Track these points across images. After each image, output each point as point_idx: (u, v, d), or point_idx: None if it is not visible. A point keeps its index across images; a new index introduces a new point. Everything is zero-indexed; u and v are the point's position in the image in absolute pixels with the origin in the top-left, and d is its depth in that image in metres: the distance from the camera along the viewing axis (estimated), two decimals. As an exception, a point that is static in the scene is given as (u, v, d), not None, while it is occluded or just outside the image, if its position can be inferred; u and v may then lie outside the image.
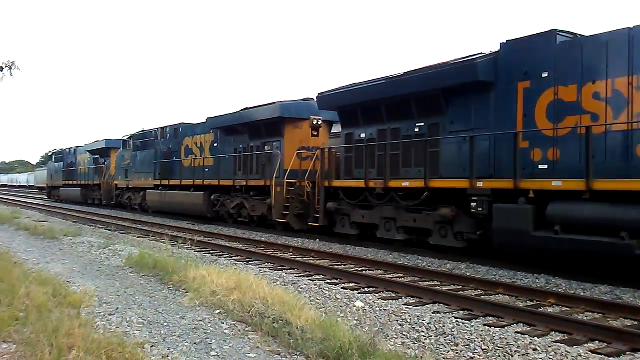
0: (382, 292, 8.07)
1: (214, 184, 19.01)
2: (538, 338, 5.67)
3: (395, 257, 11.41)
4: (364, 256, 11.40)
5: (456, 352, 5.33)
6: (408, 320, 6.31)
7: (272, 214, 15.92)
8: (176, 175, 21.89)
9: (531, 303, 7.36)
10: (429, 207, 11.48)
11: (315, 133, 16.17)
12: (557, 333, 5.96)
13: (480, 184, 10.17)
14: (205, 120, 20.28)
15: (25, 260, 9.74)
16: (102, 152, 30.86)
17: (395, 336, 5.85)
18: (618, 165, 8.40)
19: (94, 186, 31.45)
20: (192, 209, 20.36)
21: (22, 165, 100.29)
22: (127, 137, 27.26)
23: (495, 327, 6.08)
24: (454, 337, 5.71)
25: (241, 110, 18.21)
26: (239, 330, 5.45)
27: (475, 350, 5.33)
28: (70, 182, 35.19)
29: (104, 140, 30.77)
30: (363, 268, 10.15)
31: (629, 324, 6.35)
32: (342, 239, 13.86)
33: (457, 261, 10.62)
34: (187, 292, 7.06)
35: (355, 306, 6.91)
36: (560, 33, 9.53)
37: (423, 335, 5.85)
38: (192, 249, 12.28)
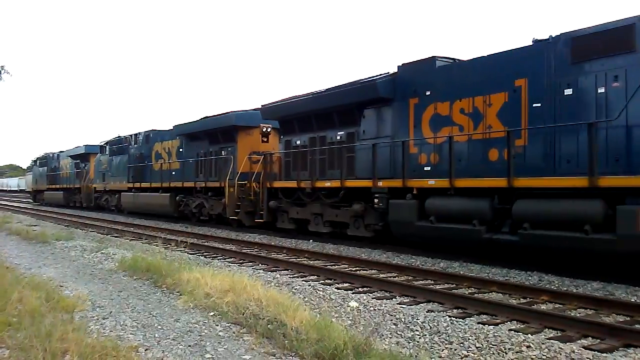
0: (377, 291, 8.07)
1: (179, 186, 21.03)
2: (532, 335, 5.69)
3: (389, 257, 11.43)
4: (357, 256, 11.41)
5: (451, 351, 5.34)
6: (402, 319, 6.32)
7: (226, 212, 17.79)
8: (147, 178, 23.89)
9: (525, 301, 7.39)
10: (346, 204, 13.43)
11: (265, 139, 17.53)
12: (550, 330, 5.99)
13: (380, 183, 12.14)
14: (172, 128, 22.17)
15: (18, 265, 9.68)
16: (82, 157, 32.51)
17: (390, 336, 5.85)
18: (477, 167, 10.35)
19: (75, 190, 33.20)
20: (161, 209, 22.17)
21: (12, 170, 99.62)
22: (104, 143, 29.23)
23: (489, 325, 6.10)
24: (448, 336, 5.73)
25: (202, 119, 20.27)
26: (234, 333, 5.45)
27: (470, 349, 5.34)
28: (53, 186, 36.95)
29: (84, 146, 32.29)
30: (357, 268, 10.16)
31: (621, 320, 6.40)
32: (284, 233, 15.79)
33: (450, 260, 10.65)
34: (181, 295, 7.04)
35: (349, 306, 6.92)
36: (439, 59, 11.55)
37: (418, 335, 5.85)
38: (186, 252, 12.22)
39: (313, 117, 14.74)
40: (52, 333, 4.57)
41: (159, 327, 5.65)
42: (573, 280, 8.49)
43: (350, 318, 6.51)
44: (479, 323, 6.18)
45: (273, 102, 16.56)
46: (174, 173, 21.88)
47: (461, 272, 9.45)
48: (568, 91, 9.14)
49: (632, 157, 8.26)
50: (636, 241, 7.76)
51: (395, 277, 9.25)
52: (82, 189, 32.15)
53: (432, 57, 11.62)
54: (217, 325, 5.69)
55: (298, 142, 15.45)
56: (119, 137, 27.75)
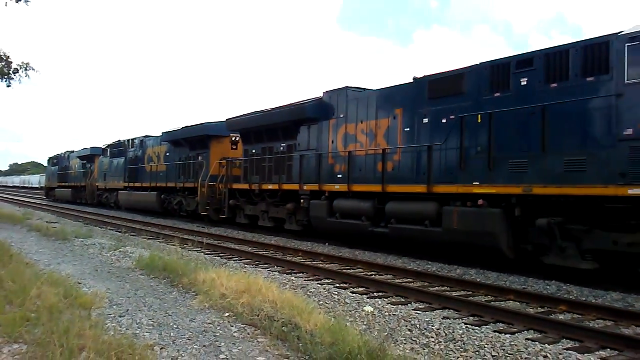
0: (392, 297, 8.04)
1: (164, 185, 24.08)
2: (549, 345, 5.62)
3: (405, 262, 11.37)
4: (373, 261, 11.37)
5: (466, 359, 5.29)
6: (417, 325, 6.28)
7: (199, 209, 20.68)
8: (140, 178, 26.85)
9: (542, 310, 7.29)
10: (283, 203, 16.23)
11: (235, 147, 20.46)
12: (568, 340, 5.90)
13: (305, 187, 15.10)
14: (161, 134, 25.16)
15: (37, 262, 9.80)
16: (88, 158, 35.10)
17: (405, 341, 5.81)
18: (368, 176, 13.06)
19: (82, 187, 36.03)
20: (149, 205, 25.32)
21: (34, 167, 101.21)
22: (106, 146, 32.12)
23: (505, 333, 6.03)
24: (464, 343, 5.67)
25: (183, 127, 22.95)
26: (248, 334, 5.46)
27: (485, 357, 5.29)
28: (63, 184, 39.84)
29: (89, 148, 35.01)
30: (372, 273, 10.12)
31: (641, 332, 6.29)
32: (241, 227, 18.63)
33: (466, 267, 10.56)
34: (196, 294, 7.08)
35: (364, 311, 6.90)
36: (350, 88, 14.32)
37: (432, 341, 5.81)
38: (202, 252, 12.31)
39: (264, 131, 17.62)
40: (70, 329, 4.62)
41: (175, 326, 5.68)
42: (592, 291, 8.36)
43: (365, 323, 6.49)
44: (495, 331, 6.11)
45: (235, 116, 19.23)
46: (161, 174, 24.72)
47: (478, 280, 9.37)
48: (425, 120, 11.78)
49: (451, 171, 10.99)
50: (454, 232, 10.64)
51: (410, 282, 9.20)
52: (86, 187, 34.82)
53: (346, 86, 14.44)
54: (232, 326, 5.71)
55: (253, 150, 18.25)
56: (118, 141, 30.56)
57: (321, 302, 7.40)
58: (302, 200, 15.26)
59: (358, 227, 13.10)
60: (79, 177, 36.78)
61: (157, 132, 25.65)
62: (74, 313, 5.40)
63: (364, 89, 14.29)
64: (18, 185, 79.23)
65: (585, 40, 9.13)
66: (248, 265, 10.75)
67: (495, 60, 10.46)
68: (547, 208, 9.33)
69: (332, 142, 14.45)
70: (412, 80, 12.26)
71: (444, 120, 11.22)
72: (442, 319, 6.65)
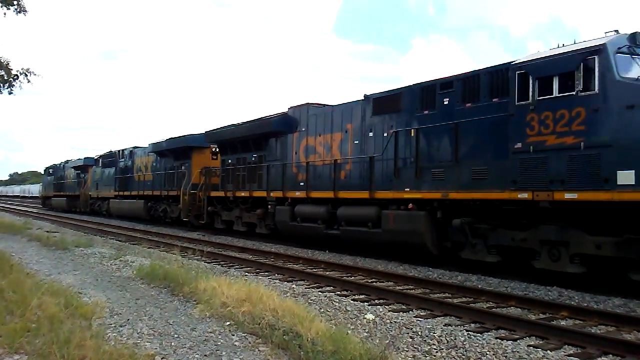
0: (393, 304, 8.02)
1: (150, 194, 25.61)
2: (551, 352, 5.61)
3: (405, 269, 11.35)
4: (374, 268, 11.35)
5: (468, 366, 5.28)
6: (419, 333, 6.27)
7: (181, 215, 22.19)
8: (129, 187, 28.33)
9: (544, 316, 7.28)
10: (254, 209, 17.80)
11: (215, 157, 21.70)
12: (570, 347, 5.89)
13: (271, 194, 16.66)
14: (148, 145, 26.75)
15: (38, 271, 9.78)
16: (82, 168, 36.55)
17: (407, 349, 5.80)
18: (325, 183, 14.59)
19: (76, 197, 37.49)
20: (137, 213, 26.71)
21: (35, 176, 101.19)
22: (98, 156, 33.83)
23: (507, 340, 6.02)
24: (465, 351, 5.66)
25: (167, 139, 24.38)
26: (250, 343, 5.44)
27: (488, 364, 5.27)
28: (59, 193, 41.36)
29: (83, 159, 36.94)
30: (373, 280, 10.11)
31: (643, 338, 6.27)
32: (219, 231, 20.04)
33: (467, 273, 10.55)
34: (197, 303, 7.06)
35: (366, 319, 6.88)
36: (311, 104, 16.04)
37: (434, 349, 5.79)
38: (203, 260, 12.29)
39: (238, 142, 19.03)
40: (71, 339, 4.61)
41: (176, 335, 5.67)
42: (594, 296, 8.34)
43: (366, 330, 6.47)
44: (497, 338, 6.10)
45: (213, 129, 20.90)
46: (148, 183, 26.26)
47: (479, 286, 9.35)
48: (370, 134, 13.30)
49: (389, 179, 12.42)
50: (390, 233, 12.22)
51: (411, 289, 9.18)
52: (80, 196, 36.35)
53: (307, 103, 16.17)
54: (233, 335, 5.69)
55: (229, 161, 19.70)
56: (110, 152, 32.52)
57: (322, 310, 7.38)
58: (269, 206, 16.92)
59: (315, 230, 14.75)
60: (73, 187, 38.38)
61: (153, 141, 26.43)
62: (74, 323, 5.39)
63: (324, 105, 15.98)
64: (19, 194, 79.19)
65: (492, 66, 10.56)
66: (249, 274, 10.73)
67: (424, 82, 11.95)
68: (461, 210, 10.88)
69: (295, 153, 16.12)
70: (362, 98, 13.70)
71: (385, 134, 12.81)
72: (443, 326, 6.64)
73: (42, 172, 55.91)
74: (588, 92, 8.77)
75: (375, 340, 5.94)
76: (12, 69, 13.21)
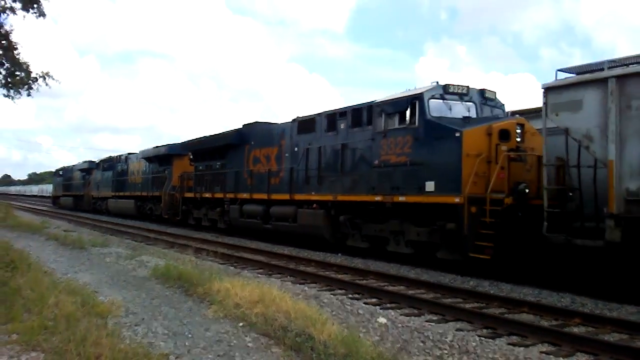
0: (405, 308, 8.02)
1: (139, 195, 29.34)
2: (563, 359, 5.61)
3: (417, 273, 11.33)
4: (386, 271, 11.34)
5: (479, 371, 5.28)
6: (431, 337, 6.27)
7: (162, 213, 25.77)
8: (124, 189, 32.10)
9: (556, 323, 7.23)
10: (215, 208, 21.02)
11: (193, 163, 24.46)
12: (583, 354, 5.87)
13: (227, 195, 19.87)
14: (139, 152, 31.28)
15: (55, 270, 9.93)
16: (86, 171, 40.39)
17: (418, 353, 5.81)
18: (263, 187, 17.67)
19: (81, 196, 41.36)
20: (129, 211, 30.40)
21: (51, 177, 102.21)
22: (99, 160, 38.30)
23: (519, 346, 6.01)
24: (477, 356, 5.66)
25: (154, 147, 28.79)
26: (262, 344, 5.50)
27: (499, 370, 5.27)
28: (67, 193, 45.29)
29: (88, 162, 41.01)
30: (385, 283, 10.11)
31: (657, 346, 6.22)
32: (191, 227, 23.15)
33: (480, 279, 10.50)
34: (211, 304, 7.13)
35: (378, 322, 6.90)
36: (259, 122, 19.57)
37: (446, 353, 5.80)
38: (216, 261, 12.37)
39: (206, 152, 22.33)
40: (87, 337, 4.69)
41: (190, 335, 5.74)
42: (607, 303, 8.27)
43: (378, 334, 6.49)
44: (509, 344, 6.09)
45: (189, 140, 24.95)
46: (138, 185, 29.98)
47: (491, 292, 9.31)
48: (295, 149, 16.31)
49: (302, 184, 15.75)
50: (303, 227, 15.54)
51: (423, 293, 9.17)
52: (84, 196, 40.28)
53: (256, 121, 19.69)
54: (246, 336, 5.75)
55: (200, 167, 23.01)
56: (110, 157, 36.86)
57: (334, 313, 7.41)
58: (225, 206, 20.10)
59: (256, 225, 18.04)
60: (79, 188, 42.10)
61: (143, 149, 30.79)
62: (90, 321, 5.48)
63: (271, 123, 19.20)
64: (36, 194, 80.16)
65: (368, 102, 13.68)
66: (261, 275, 10.79)
67: (330, 111, 15.20)
68: (345, 209, 14.22)
69: (246, 162, 19.12)
70: (292, 120, 16.93)
71: (309, 149, 15.62)
72: (455, 330, 6.64)
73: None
74: (413, 126, 12.08)
75: (387, 344, 5.97)
76: (31, 72, 13.40)
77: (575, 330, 6.90)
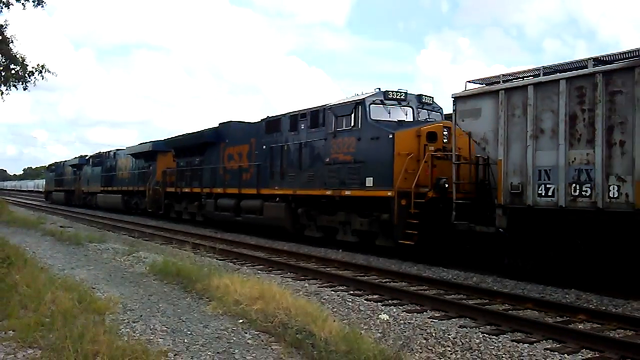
0: (407, 304, 7.94)
1: (126, 189, 30.71)
2: (568, 355, 5.52)
3: (419, 269, 11.25)
4: (387, 268, 11.27)
5: (484, 369, 5.20)
6: (433, 334, 6.19)
7: (147, 207, 26.97)
8: (112, 184, 33.43)
9: (561, 319, 7.15)
10: (194, 202, 22.48)
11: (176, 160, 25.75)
12: (588, 351, 5.78)
13: (204, 190, 21.31)
14: (126, 148, 32.67)
15: (51, 266, 9.82)
16: (77, 166, 41.29)
17: (421, 350, 5.73)
18: (235, 182, 19.12)
19: (72, 191, 42.67)
20: (116, 205, 31.83)
21: (45, 172, 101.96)
22: (89, 156, 39.18)
23: (523, 343, 5.92)
24: (480, 353, 5.58)
25: (139, 144, 30.46)
26: (262, 341, 5.41)
27: (504, 367, 5.19)
28: (59, 188, 46.73)
29: (78, 158, 41.87)
30: (387, 280, 10.03)
31: (663, 343, 6.14)
32: (174, 220, 24.45)
33: (483, 275, 10.42)
34: (210, 300, 7.04)
35: (380, 319, 6.81)
36: (233, 122, 20.73)
37: (449, 350, 5.72)
38: (215, 257, 12.27)
39: (186, 149, 23.61)
40: (84, 335, 4.60)
41: (188, 332, 5.65)
42: (612, 300, 8.19)
43: (380, 331, 6.41)
44: (513, 341, 6.01)
45: (171, 137, 26.16)
46: (125, 180, 31.21)
47: (495, 288, 9.23)
48: (264, 147, 17.50)
49: (268, 180, 17.11)
50: (268, 219, 16.99)
51: (426, 290, 9.09)
52: (75, 191, 41.54)
53: (230, 120, 20.93)
54: (246, 333, 5.66)
55: (181, 163, 24.33)
56: (99, 152, 37.79)
57: (335, 310, 7.32)
58: (202, 200, 21.50)
59: (228, 217, 19.35)
60: (70, 183, 43.33)
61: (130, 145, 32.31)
62: (88, 318, 5.38)
63: (244, 122, 20.43)
64: (32, 189, 79.94)
65: (322, 104, 14.99)
66: (261, 272, 10.70)
67: (293, 112, 16.40)
68: (303, 202, 15.60)
69: (222, 159, 20.42)
70: (261, 120, 18.32)
71: (273, 148, 16.98)
72: (458, 327, 6.56)
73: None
74: (356, 128, 13.59)
75: (389, 341, 5.88)
76: (27, 65, 13.25)
77: (580, 326, 6.83)
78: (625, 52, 9.11)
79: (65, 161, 46.29)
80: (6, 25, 13.08)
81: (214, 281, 7.55)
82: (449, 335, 6.11)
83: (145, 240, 16.50)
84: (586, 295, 8.53)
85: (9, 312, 5.68)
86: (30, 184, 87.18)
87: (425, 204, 11.77)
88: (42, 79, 13.33)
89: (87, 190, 38.16)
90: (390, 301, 8.13)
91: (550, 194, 9.29)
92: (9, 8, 12.70)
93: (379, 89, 13.78)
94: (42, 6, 12.89)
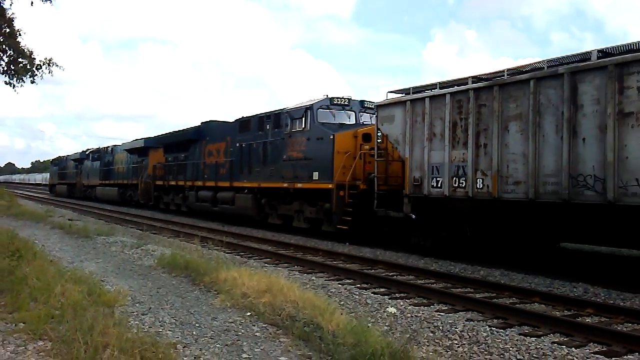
0: (414, 298, 7.95)
1: (121, 183, 33.14)
2: (576, 349, 5.51)
3: (427, 263, 11.25)
4: (394, 261, 11.28)
5: (491, 362, 5.20)
6: (440, 327, 6.20)
7: (139, 199, 29.15)
8: (109, 177, 35.83)
9: (569, 313, 7.14)
10: (179, 194, 24.79)
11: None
12: (595, 344, 5.78)
13: (187, 183, 23.55)
14: (122, 144, 34.98)
15: (60, 259, 9.90)
16: (79, 160, 43.53)
17: (428, 344, 5.74)
18: (212, 176, 21.38)
19: (74, 184, 44.93)
20: (113, 197, 33.94)
21: (50, 166, 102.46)
22: (89, 151, 41.46)
23: (531, 336, 5.92)
24: (488, 346, 5.58)
25: (133, 140, 33.18)
26: (270, 334, 5.43)
27: (511, 360, 5.19)
28: (62, 182, 49.08)
29: (80, 152, 44.15)
30: (394, 273, 10.04)
31: (671, 337, 6.13)
32: (163, 210, 26.61)
33: (490, 268, 10.42)
34: (218, 293, 7.07)
35: (387, 312, 6.83)
36: (213, 121, 23.57)
37: (456, 344, 5.73)
38: (223, 251, 12.33)
39: (174, 145, 25.84)
40: (94, 327, 4.62)
41: (197, 325, 5.68)
42: (620, 293, 8.16)
43: (387, 324, 6.42)
44: (520, 334, 6.01)
45: (160, 135, 29.06)
46: (121, 174, 33.53)
47: (502, 281, 9.22)
48: (237, 144, 19.49)
49: (238, 173, 19.27)
50: (238, 208, 19.05)
51: (433, 283, 9.10)
52: (77, 184, 43.76)
53: (211, 120, 23.54)
54: (254, 326, 5.69)
55: (169, 158, 26.47)
56: (98, 148, 40.08)
57: (342, 303, 7.34)
58: (185, 192, 23.81)
59: (207, 208, 21.48)
60: (72, 176, 45.58)
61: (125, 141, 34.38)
62: (97, 311, 5.41)
63: (222, 121, 22.90)
64: (40, 182, 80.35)
65: (281, 109, 17.23)
66: (268, 265, 10.74)
67: (261, 113, 18.48)
68: (266, 194, 17.74)
69: (203, 154, 22.54)
70: (235, 120, 20.32)
71: (244, 145, 19.03)
72: (465, 321, 6.56)
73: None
74: (306, 129, 15.77)
75: (396, 334, 5.89)
76: (35, 59, 13.29)
77: (588, 320, 6.82)
78: (628, 44, 9.13)
79: (68, 156, 48.86)
80: (14, 18, 13.11)
81: (222, 274, 7.58)
82: (456, 328, 6.12)
83: (153, 233, 16.58)
84: (594, 288, 8.50)
85: (19, 305, 5.73)
86: (38, 177, 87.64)
87: (357, 195, 13.96)
88: (49, 73, 13.36)
89: (88, 184, 40.53)
90: (397, 294, 8.15)
91: (439, 185, 11.51)
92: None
93: (327, 95, 15.91)
94: (51, 1, 12.91)
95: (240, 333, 5.42)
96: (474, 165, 10.71)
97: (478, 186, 10.62)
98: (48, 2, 12.85)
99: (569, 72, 9.19)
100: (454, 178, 11.11)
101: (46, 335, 4.80)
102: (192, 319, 5.93)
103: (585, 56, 9.45)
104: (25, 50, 13.11)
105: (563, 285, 8.83)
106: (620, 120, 8.42)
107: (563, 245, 12.02)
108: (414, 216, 12.14)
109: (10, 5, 12.96)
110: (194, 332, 5.38)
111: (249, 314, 6.13)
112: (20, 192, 53.20)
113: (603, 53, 9.21)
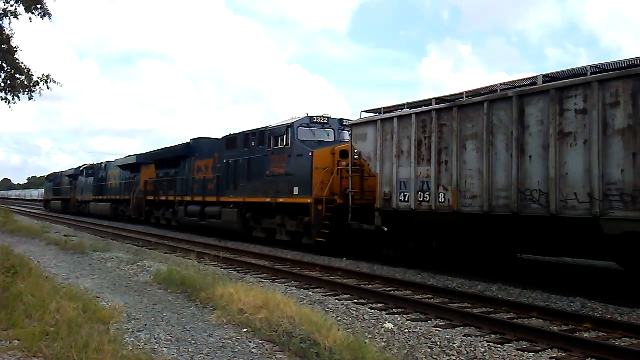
0: (411, 313, 7.92)
1: (114, 198, 34.01)
2: (574, 364, 5.48)
3: (424, 278, 11.22)
4: (391, 276, 11.24)
5: (489, 378, 5.17)
6: (438, 343, 6.16)
7: (131, 214, 29.98)
8: (102, 193, 36.66)
9: (566, 328, 7.11)
10: (169, 209, 25.40)
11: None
12: (593, 359, 5.75)
13: (176, 198, 24.12)
14: (115, 160, 35.98)
15: (56, 275, 9.83)
16: (73, 176, 44.16)
17: (425, 359, 5.70)
18: (200, 191, 21.89)
19: (68, 200, 45.55)
20: (106, 212, 34.66)
21: (45, 182, 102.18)
22: (83, 167, 42.16)
23: (529, 352, 5.90)
24: (486, 362, 5.55)
25: (125, 157, 34.39)
26: (267, 350, 5.39)
27: (509, 376, 5.16)
28: (57, 197, 49.84)
29: (74, 169, 44.86)
30: (391, 288, 10.00)
31: (670, 352, 6.10)
32: (154, 225, 27.24)
33: (488, 283, 10.38)
34: (214, 309, 7.03)
35: (384, 328, 6.79)
36: (201, 138, 24.31)
37: (454, 359, 5.69)
38: (219, 266, 12.28)
39: (164, 161, 26.60)
40: (89, 344, 4.59)
41: (193, 341, 5.64)
42: (618, 308, 8.14)
43: (384, 339, 6.38)
44: (518, 350, 5.98)
45: (151, 151, 29.55)
46: (114, 190, 34.37)
47: (499, 296, 9.20)
48: (224, 160, 20.05)
49: (225, 189, 19.86)
50: (224, 222, 19.61)
51: (430, 298, 9.06)
52: (71, 200, 44.32)
53: (200, 137, 24.38)
54: (250, 342, 5.65)
55: (160, 174, 27.20)
56: (92, 164, 40.94)
57: (339, 318, 7.29)
58: (175, 207, 24.34)
59: (195, 222, 22.07)
60: (66, 192, 46.32)
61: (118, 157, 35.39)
62: (92, 327, 5.38)
63: (211, 138, 23.68)
64: (36, 198, 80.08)
65: (264, 126, 17.99)
66: (265, 280, 10.68)
67: (246, 130, 19.11)
68: (251, 208, 18.29)
69: (192, 170, 23.19)
70: (222, 137, 21.01)
71: (230, 161, 19.61)
72: (463, 336, 6.53)
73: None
74: (287, 147, 16.47)
75: (393, 350, 5.86)
76: (32, 75, 13.29)
77: (586, 335, 6.79)
78: (620, 61, 9.28)
79: (62, 171, 49.70)
80: (12, 35, 13.12)
81: (218, 290, 7.54)
82: (453, 344, 6.08)
83: (149, 249, 16.50)
84: (591, 303, 8.47)
85: (13, 321, 5.68)
86: (34, 193, 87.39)
87: (334, 209, 14.66)
88: (47, 88, 13.33)
89: (81, 199, 41.30)
90: (394, 310, 8.11)
91: (406, 199, 12.16)
92: (17, 17, 12.73)
93: (307, 114, 16.75)
94: (50, 17, 12.91)
95: (236, 349, 5.38)
96: (436, 181, 11.41)
97: (440, 200, 11.31)
98: (47, 17, 12.85)
99: (516, 95, 9.93)
100: (419, 192, 11.80)
101: (41, 352, 4.76)
102: (187, 335, 5.88)
103: (533, 80, 10.10)
104: (23, 67, 13.10)
105: (560, 300, 8.80)
106: (561, 139, 9.14)
107: (529, 257, 12.99)
108: (385, 228, 12.70)
109: (9, 23, 12.94)
110: (190, 349, 5.34)
111: (245, 330, 6.09)
112: (17, 207, 52.97)
113: (548, 77, 9.92)
